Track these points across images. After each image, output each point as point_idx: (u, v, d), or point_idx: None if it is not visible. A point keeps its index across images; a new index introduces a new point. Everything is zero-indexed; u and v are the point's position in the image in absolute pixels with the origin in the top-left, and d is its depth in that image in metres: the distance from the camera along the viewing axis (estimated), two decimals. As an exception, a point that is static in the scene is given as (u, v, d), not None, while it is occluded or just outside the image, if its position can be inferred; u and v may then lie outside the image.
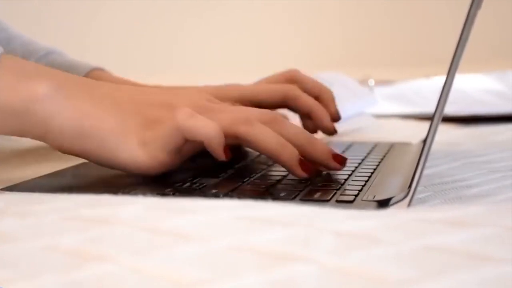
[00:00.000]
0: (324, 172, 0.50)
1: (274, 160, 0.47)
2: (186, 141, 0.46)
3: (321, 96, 0.65)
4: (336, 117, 0.65)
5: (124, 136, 0.46)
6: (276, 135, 0.47)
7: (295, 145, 0.47)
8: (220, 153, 0.46)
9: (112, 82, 0.70)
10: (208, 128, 0.45)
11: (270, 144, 0.46)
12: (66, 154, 0.48)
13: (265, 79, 0.69)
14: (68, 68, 0.72)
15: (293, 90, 0.64)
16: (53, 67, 0.73)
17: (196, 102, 0.48)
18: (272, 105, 0.65)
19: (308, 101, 0.63)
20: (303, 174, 0.47)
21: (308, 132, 0.50)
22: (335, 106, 0.66)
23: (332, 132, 0.64)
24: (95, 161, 0.47)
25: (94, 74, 0.72)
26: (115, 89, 0.49)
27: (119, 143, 0.46)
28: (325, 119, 0.63)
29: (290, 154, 0.47)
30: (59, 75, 0.48)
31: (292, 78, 0.67)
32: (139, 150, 0.46)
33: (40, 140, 0.47)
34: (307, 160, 0.48)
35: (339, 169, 0.49)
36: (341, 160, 0.49)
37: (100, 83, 0.50)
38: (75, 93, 0.47)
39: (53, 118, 0.46)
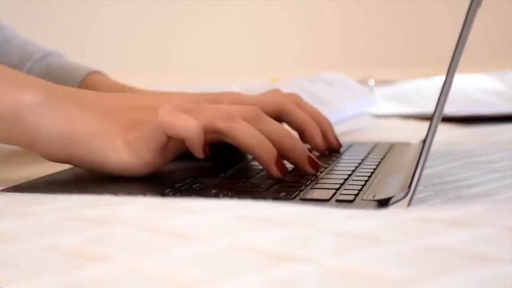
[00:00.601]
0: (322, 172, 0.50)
1: (252, 155, 0.48)
2: (170, 139, 0.47)
3: (320, 125, 0.63)
4: (336, 146, 0.64)
5: (110, 139, 0.47)
6: (256, 131, 0.47)
7: (275, 143, 0.48)
8: (199, 151, 0.46)
9: (109, 85, 0.70)
10: (188, 125, 0.46)
11: (249, 139, 0.47)
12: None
13: (264, 93, 0.68)
14: (66, 70, 0.72)
15: (289, 104, 0.63)
16: (51, 69, 0.72)
17: (179, 104, 0.49)
18: None
19: (301, 116, 0.62)
20: (277, 173, 0.47)
21: (289, 132, 0.50)
22: (334, 135, 0.64)
23: (322, 150, 0.62)
24: (83, 166, 0.48)
25: (92, 77, 0.72)
26: (101, 96, 0.50)
27: (105, 146, 0.47)
28: (316, 136, 0.62)
29: (267, 151, 0.47)
30: (47, 84, 0.49)
31: (293, 101, 0.65)
32: (125, 152, 0.47)
33: (28, 148, 0.48)
34: (284, 159, 0.48)
35: (311, 173, 0.49)
36: (315, 165, 0.50)
37: (87, 91, 0.51)
38: (62, 101, 0.48)
39: (42, 126, 0.46)
